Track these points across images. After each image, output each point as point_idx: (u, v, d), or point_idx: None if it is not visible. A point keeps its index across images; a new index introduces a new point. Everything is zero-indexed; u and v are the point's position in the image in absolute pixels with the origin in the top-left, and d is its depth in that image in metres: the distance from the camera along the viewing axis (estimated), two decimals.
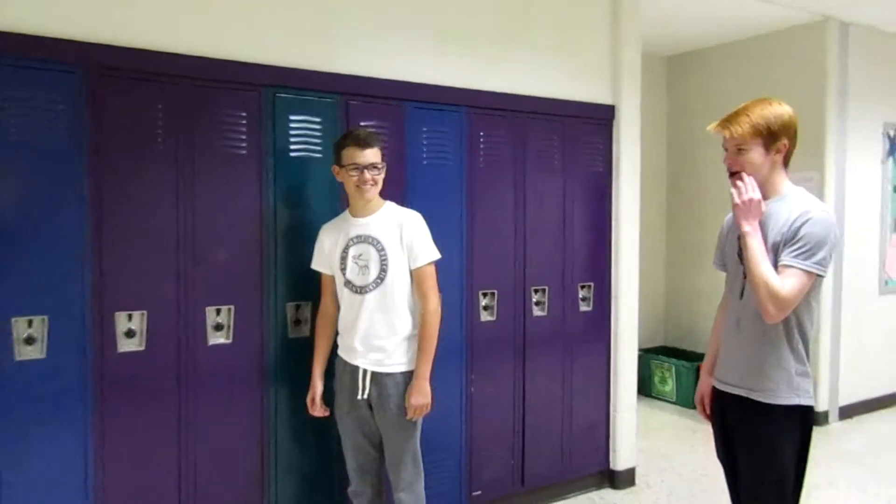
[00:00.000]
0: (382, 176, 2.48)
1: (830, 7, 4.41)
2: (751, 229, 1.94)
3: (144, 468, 2.50)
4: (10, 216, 2.26)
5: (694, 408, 4.95)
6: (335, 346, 2.61)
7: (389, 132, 2.92)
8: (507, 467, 3.35)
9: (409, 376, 2.47)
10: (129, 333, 2.47)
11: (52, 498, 2.34)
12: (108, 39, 2.38)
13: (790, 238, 1.91)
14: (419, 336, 2.47)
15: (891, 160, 5.17)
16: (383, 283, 2.43)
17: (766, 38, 4.98)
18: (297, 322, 2.79)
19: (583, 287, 3.59)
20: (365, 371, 2.45)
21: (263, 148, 2.68)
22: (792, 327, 1.97)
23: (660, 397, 5.39)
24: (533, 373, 3.42)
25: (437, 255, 2.51)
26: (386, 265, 2.43)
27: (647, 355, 5.39)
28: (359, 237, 2.46)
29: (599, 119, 3.60)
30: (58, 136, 2.32)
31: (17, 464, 2.28)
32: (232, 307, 2.64)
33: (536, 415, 3.43)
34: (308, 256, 2.68)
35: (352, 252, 2.46)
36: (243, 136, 2.64)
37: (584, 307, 3.61)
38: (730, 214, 2.14)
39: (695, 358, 5.35)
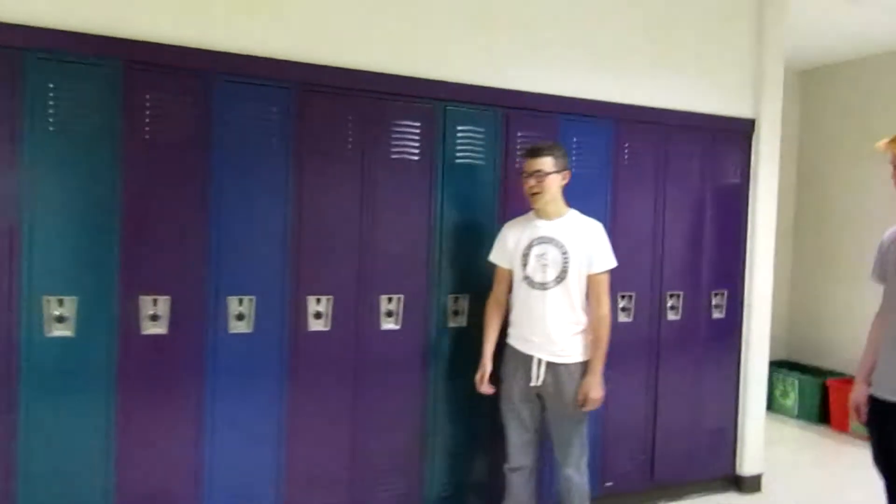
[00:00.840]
0: (551, 183, 2.70)
1: None
2: None
3: (321, 440, 2.85)
4: (233, 209, 2.65)
5: (818, 422, 4.99)
6: (504, 335, 2.87)
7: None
8: (637, 462, 3.52)
9: (581, 367, 2.71)
10: (317, 315, 2.82)
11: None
12: (317, 60, 2.75)
13: None
14: (595, 336, 2.71)
15: None
16: (562, 283, 2.68)
17: None
18: (455, 313, 3.07)
19: (715, 294, 3.71)
20: (540, 360, 2.70)
21: (434, 155, 2.98)
22: None
23: (780, 411, 5.35)
24: (665, 374, 3.57)
25: (614, 264, 2.75)
26: (567, 266, 2.67)
27: (770, 368, 5.35)
28: (542, 238, 2.71)
29: (739, 132, 3.71)
30: (271, 142, 2.70)
31: (228, 418, 2.68)
32: (402, 296, 2.96)
33: (667, 415, 3.58)
34: (469, 254, 2.98)
35: (535, 251, 2.71)
36: (417, 145, 2.96)
37: (716, 314, 3.72)
38: (891, 229, 2.25)
39: (819, 373, 5.30)
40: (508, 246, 2.80)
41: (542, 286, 2.70)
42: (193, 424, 2.63)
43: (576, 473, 2.76)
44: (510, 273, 2.81)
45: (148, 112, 2.52)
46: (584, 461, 2.78)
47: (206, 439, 2.65)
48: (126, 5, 2.49)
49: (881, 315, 2.37)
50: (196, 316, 2.63)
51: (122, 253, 2.50)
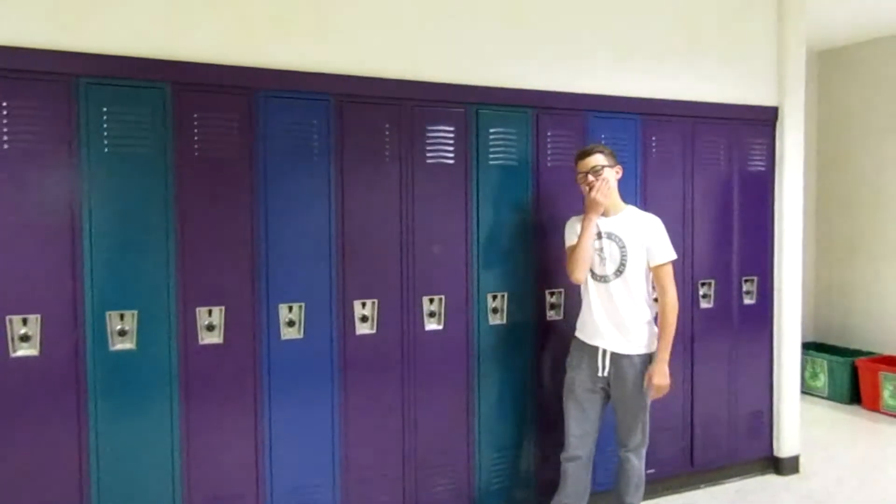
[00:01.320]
0: (609, 177, 2.78)
1: None
2: None
3: (374, 440, 2.95)
4: (279, 219, 2.75)
5: (849, 402, 5.03)
6: (572, 329, 2.96)
7: (573, 140, 3.24)
8: (677, 448, 3.59)
9: (645, 358, 2.80)
10: (364, 319, 2.92)
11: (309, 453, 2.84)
12: (352, 71, 2.84)
13: None
14: (661, 325, 2.80)
15: None
16: (622, 275, 2.77)
17: None
18: (495, 311, 3.15)
19: (746, 280, 3.77)
20: (605, 351, 2.80)
21: (469, 158, 3.06)
22: None
23: (811, 392, 5.40)
24: (700, 361, 3.64)
25: (673, 256, 2.83)
26: (625, 260, 2.77)
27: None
28: (601, 233, 2.81)
29: (763, 120, 3.76)
30: (313, 152, 2.80)
31: (285, 422, 2.78)
32: (443, 297, 3.04)
33: (704, 400, 3.65)
34: (506, 253, 3.11)
35: (595, 245, 2.80)
36: (451, 149, 3.04)
37: (747, 300, 3.78)
38: None
39: (847, 353, 5.35)
40: (578, 232, 2.84)
41: (604, 279, 2.80)
42: (253, 428, 2.74)
43: (636, 459, 2.88)
44: None
45: (196, 130, 2.62)
46: (643, 449, 2.90)
47: (266, 442, 2.76)
48: (172, 29, 2.59)
49: None
50: (249, 324, 2.73)
51: (177, 267, 2.60)
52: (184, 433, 2.63)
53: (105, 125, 2.49)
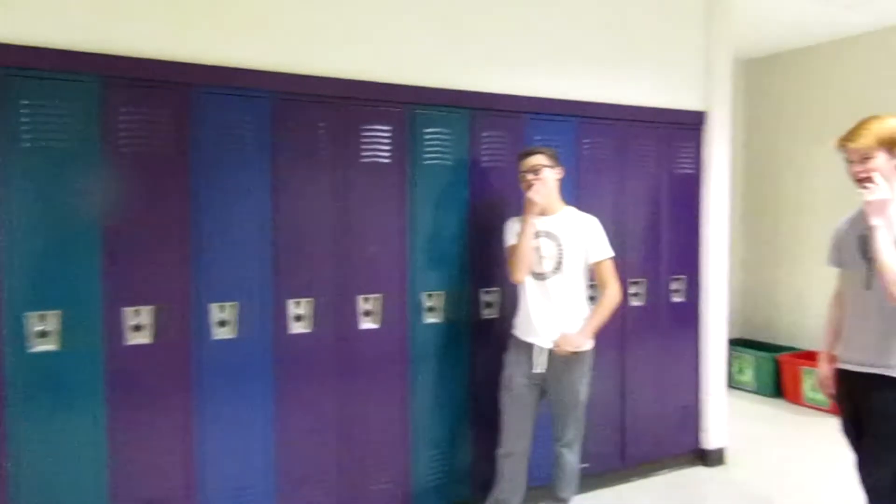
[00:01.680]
0: (548, 177, 2.85)
1: None
2: (881, 223, 2.23)
3: (309, 439, 2.93)
4: (212, 217, 2.70)
5: (773, 396, 5.26)
6: (510, 326, 3.00)
7: (509, 141, 3.29)
8: (610, 444, 3.68)
9: (581, 355, 2.85)
10: (298, 318, 2.89)
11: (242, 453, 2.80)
12: (289, 69, 2.81)
13: None
14: (598, 305, 2.88)
15: None
16: (560, 273, 2.83)
17: (846, 42, 5.17)
18: (431, 309, 3.17)
19: (675, 279, 3.90)
20: (541, 348, 2.84)
21: (405, 158, 3.07)
22: None
23: (738, 387, 5.62)
24: (632, 358, 3.74)
25: (611, 253, 2.92)
26: (563, 258, 2.83)
27: (727, 346, 5.62)
28: (540, 232, 2.86)
29: (692, 125, 3.89)
30: (248, 150, 2.76)
31: (217, 423, 2.73)
32: (379, 296, 3.04)
33: (635, 396, 3.75)
34: (441, 251, 3.12)
35: (533, 244, 2.85)
36: (388, 148, 3.04)
37: (676, 298, 3.91)
38: (844, 217, 2.47)
39: (772, 349, 5.59)
40: (516, 234, 2.90)
41: (542, 277, 2.85)
42: (183, 430, 2.68)
43: (570, 454, 2.94)
44: None
45: (127, 126, 2.55)
46: (578, 444, 2.97)
47: (197, 445, 2.70)
48: (103, 21, 2.51)
49: (838, 296, 2.56)
50: (180, 324, 2.67)
51: (103, 265, 2.53)
52: (110, 436, 2.56)
53: (24, 119, 2.40)
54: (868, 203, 2.25)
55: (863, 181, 2.28)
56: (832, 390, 2.57)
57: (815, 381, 2.65)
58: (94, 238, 2.52)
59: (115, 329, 2.56)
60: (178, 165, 2.64)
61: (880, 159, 2.27)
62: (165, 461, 2.66)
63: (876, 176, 2.24)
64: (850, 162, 2.33)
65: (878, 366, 2.31)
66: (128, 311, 2.58)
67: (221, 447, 2.75)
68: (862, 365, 2.37)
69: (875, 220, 2.23)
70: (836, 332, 2.54)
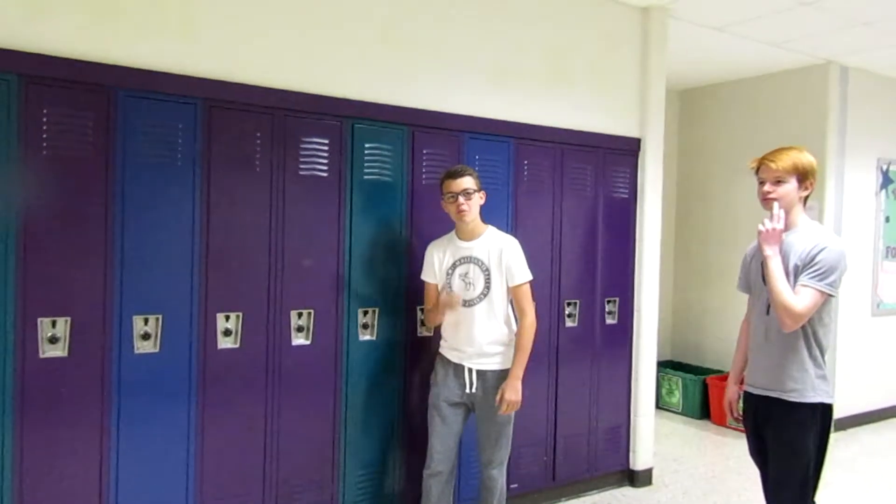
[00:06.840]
0: (476, 202, 2.84)
1: (833, 53, 4.85)
2: (772, 253, 2.32)
3: (233, 458, 2.83)
4: (137, 226, 2.60)
5: (700, 418, 5.40)
6: (437, 346, 2.99)
7: (449, 159, 3.29)
8: (540, 464, 3.70)
9: (507, 374, 2.84)
10: (227, 332, 2.81)
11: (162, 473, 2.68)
12: (223, 76, 2.75)
13: (808, 263, 2.29)
14: (517, 344, 2.85)
15: (883, 192, 5.60)
16: (487, 298, 2.82)
17: (773, 78, 5.41)
18: (365, 326, 3.13)
19: (609, 301, 3.97)
20: (471, 369, 2.84)
21: (343, 172, 3.03)
22: (809, 338, 2.34)
23: (667, 408, 5.74)
24: (564, 379, 3.77)
25: (530, 276, 2.89)
26: (489, 282, 2.82)
27: (656, 368, 5.74)
28: (465, 258, 2.86)
29: (627, 150, 3.99)
30: (177, 157, 2.68)
31: (135, 441, 2.62)
32: (312, 311, 2.98)
33: (566, 416, 3.79)
34: (378, 268, 3.09)
35: (458, 270, 2.85)
36: (325, 162, 3.00)
37: (609, 320, 3.97)
38: (751, 245, 2.56)
39: (700, 372, 5.74)
40: (435, 266, 2.93)
41: (469, 303, 2.84)
42: (97, 449, 2.55)
43: (498, 474, 2.92)
44: (438, 288, 2.94)
45: (46, 127, 2.44)
46: (505, 464, 2.95)
47: (112, 463, 2.58)
48: (23, 17, 2.40)
49: (747, 321, 2.65)
50: (99, 337, 2.55)
51: (18, 274, 2.40)
52: (17, 454, 2.41)
53: None
54: (760, 233, 2.34)
55: (769, 202, 2.37)
56: (738, 414, 2.64)
57: (724, 405, 2.72)
58: (8, 244, 2.38)
59: (29, 341, 2.42)
60: (101, 170, 2.53)
61: (790, 185, 2.37)
62: (77, 483, 2.53)
63: (775, 206, 2.34)
64: (761, 182, 2.42)
65: (775, 390, 2.39)
66: (44, 322, 2.45)
67: (140, 468, 2.63)
68: (762, 388, 2.44)
69: (767, 250, 2.32)
70: (744, 355, 2.62)
